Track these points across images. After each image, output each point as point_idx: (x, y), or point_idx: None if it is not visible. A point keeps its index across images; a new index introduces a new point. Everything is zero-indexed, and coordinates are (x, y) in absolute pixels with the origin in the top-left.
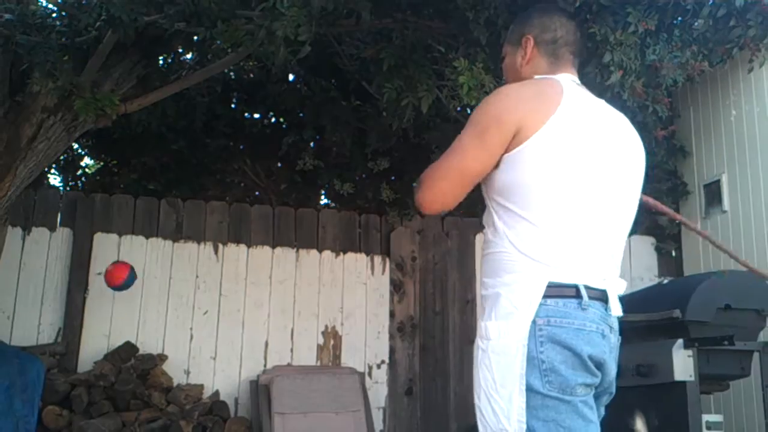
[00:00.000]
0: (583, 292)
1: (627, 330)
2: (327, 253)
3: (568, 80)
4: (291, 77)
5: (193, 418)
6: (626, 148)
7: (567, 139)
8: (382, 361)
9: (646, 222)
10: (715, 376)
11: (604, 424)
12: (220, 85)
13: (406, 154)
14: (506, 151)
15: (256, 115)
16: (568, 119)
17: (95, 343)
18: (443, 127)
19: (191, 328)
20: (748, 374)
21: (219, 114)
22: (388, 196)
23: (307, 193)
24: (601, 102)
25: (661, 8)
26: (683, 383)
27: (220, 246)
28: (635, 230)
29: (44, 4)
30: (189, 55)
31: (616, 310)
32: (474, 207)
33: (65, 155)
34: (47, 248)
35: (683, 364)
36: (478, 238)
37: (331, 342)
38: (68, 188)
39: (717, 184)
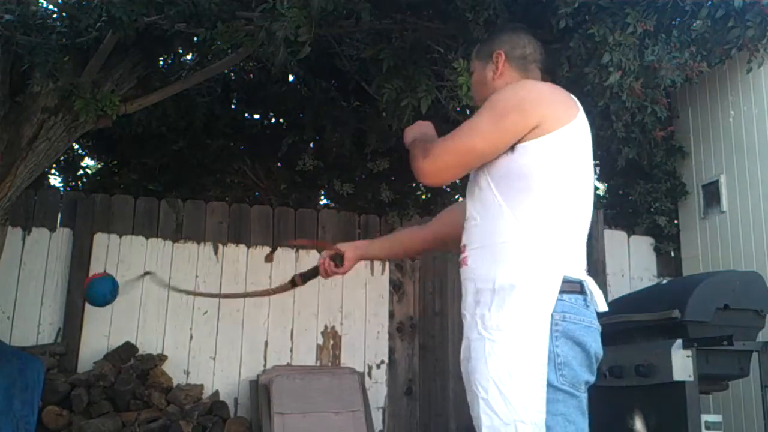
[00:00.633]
0: (587, 288)
1: (626, 330)
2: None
3: None
4: (291, 78)
5: (192, 418)
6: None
7: (580, 142)
8: (382, 361)
9: (645, 222)
10: (714, 376)
11: (604, 423)
12: (220, 85)
13: (405, 154)
14: (521, 141)
15: (256, 116)
16: (582, 126)
17: (95, 343)
18: (443, 127)
19: (191, 328)
20: (747, 374)
21: (219, 114)
22: (387, 197)
23: (306, 193)
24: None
25: (660, 9)
26: (682, 383)
27: (220, 246)
28: (634, 230)
29: (45, 4)
30: (189, 56)
31: (603, 306)
32: None
33: (65, 156)
34: (47, 248)
35: (682, 364)
36: None
37: (331, 342)
38: (68, 188)
39: (715, 184)
